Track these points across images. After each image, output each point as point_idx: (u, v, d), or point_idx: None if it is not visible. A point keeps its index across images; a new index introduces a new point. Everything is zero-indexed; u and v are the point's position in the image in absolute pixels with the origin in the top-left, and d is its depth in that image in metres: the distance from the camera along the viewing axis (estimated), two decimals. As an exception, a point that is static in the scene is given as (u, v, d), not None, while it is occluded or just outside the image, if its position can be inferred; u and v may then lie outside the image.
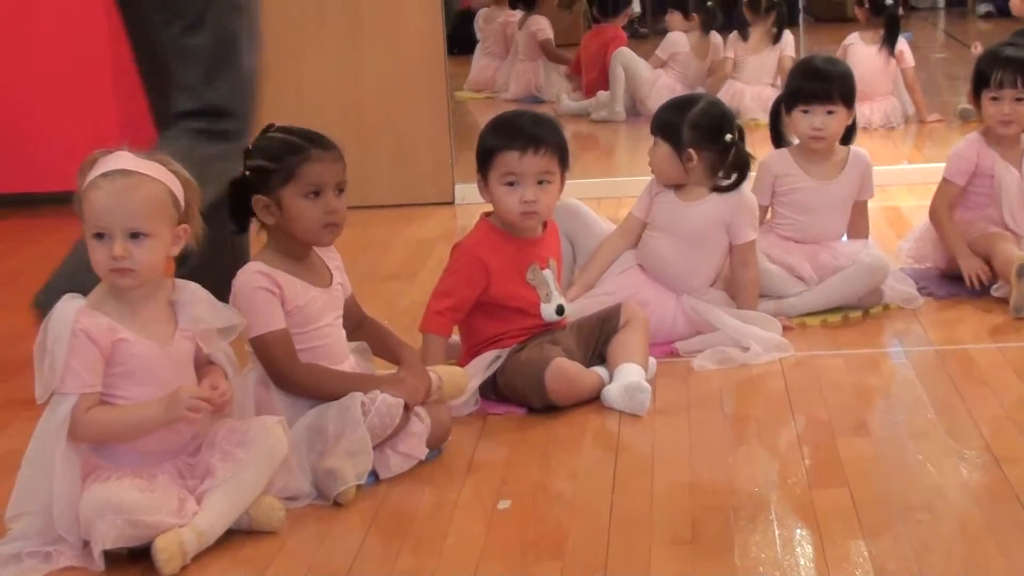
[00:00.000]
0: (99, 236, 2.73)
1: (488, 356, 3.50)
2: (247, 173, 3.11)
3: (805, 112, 4.17)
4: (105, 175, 2.74)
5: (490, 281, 3.51)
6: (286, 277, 3.09)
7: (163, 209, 2.77)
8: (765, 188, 4.22)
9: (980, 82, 4.34)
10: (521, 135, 3.50)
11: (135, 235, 2.73)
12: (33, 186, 6.07)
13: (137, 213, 2.73)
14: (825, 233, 4.23)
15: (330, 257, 3.22)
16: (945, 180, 4.39)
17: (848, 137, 4.25)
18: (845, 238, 4.29)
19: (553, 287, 3.57)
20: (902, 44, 7.34)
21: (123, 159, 2.78)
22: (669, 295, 3.93)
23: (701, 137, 3.92)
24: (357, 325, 3.30)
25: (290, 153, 3.09)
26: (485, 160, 3.53)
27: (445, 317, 3.52)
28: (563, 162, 3.54)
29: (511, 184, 3.50)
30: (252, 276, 3.08)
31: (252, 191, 3.10)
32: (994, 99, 4.30)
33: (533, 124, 3.55)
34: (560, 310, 3.58)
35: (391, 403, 3.04)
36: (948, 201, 4.37)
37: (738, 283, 3.99)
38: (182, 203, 2.81)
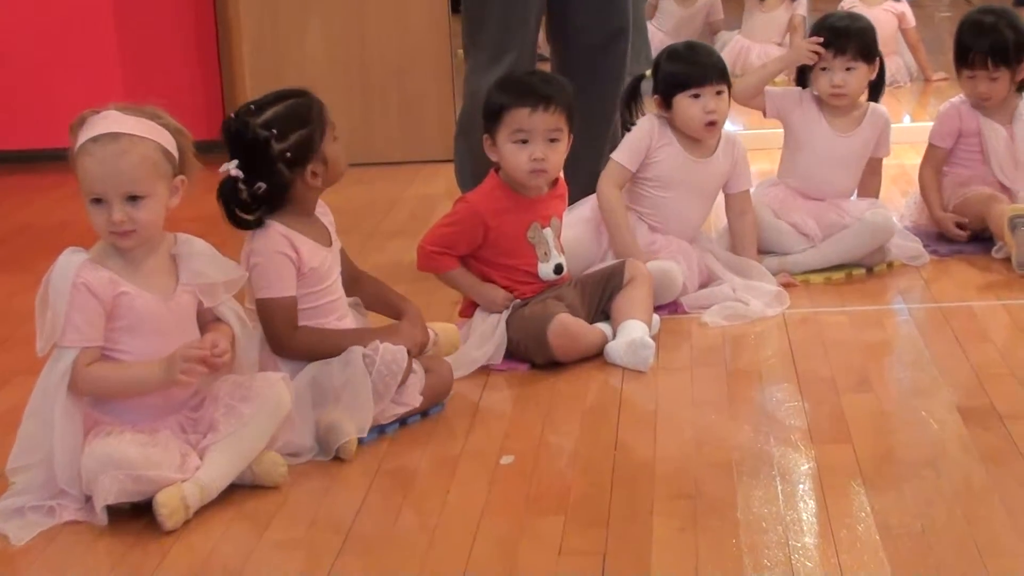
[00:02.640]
0: (96, 201, 2.72)
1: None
2: (288, 154, 3.03)
3: (824, 70, 4.16)
4: (95, 140, 2.71)
5: (487, 238, 3.50)
6: (302, 239, 3.08)
7: (157, 168, 2.75)
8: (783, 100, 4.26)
9: (959, 54, 4.36)
10: (532, 93, 3.49)
11: (132, 198, 2.71)
12: (36, 142, 6.06)
13: (131, 177, 2.71)
14: (834, 187, 4.21)
15: (322, 212, 3.20)
16: (931, 144, 4.43)
17: (876, 93, 4.25)
18: (855, 196, 4.27)
19: (552, 246, 3.56)
20: (902, 4, 7.32)
21: (111, 119, 2.74)
22: (691, 249, 3.96)
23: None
24: (353, 280, 3.28)
25: (310, 109, 3.08)
26: (494, 118, 3.51)
27: (446, 256, 3.51)
28: (571, 121, 3.53)
29: (521, 142, 3.49)
30: (276, 239, 3.05)
31: (297, 165, 3.04)
32: (970, 78, 4.31)
33: (543, 83, 3.55)
34: (559, 269, 3.57)
35: (394, 351, 3.04)
36: (935, 164, 4.41)
37: (739, 232, 4.03)
38: (175, 155, 2.79)
